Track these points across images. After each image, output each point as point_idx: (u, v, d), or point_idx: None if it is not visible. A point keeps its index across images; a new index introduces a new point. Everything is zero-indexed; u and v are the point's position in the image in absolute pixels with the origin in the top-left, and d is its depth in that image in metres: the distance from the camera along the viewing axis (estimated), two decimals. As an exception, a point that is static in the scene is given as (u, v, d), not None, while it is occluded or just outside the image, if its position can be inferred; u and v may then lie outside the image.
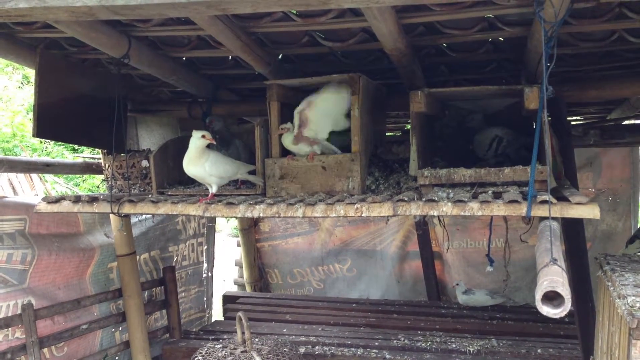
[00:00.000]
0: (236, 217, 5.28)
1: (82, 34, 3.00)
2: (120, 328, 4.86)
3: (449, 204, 2.65)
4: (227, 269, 9.41)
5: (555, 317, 1.85)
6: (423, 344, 4.73)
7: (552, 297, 1.87)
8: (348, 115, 3.34)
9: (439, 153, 3.53)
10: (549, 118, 3.49)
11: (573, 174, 3.66)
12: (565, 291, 1.82)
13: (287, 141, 3.34)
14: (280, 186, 3.37)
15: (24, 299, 4.01)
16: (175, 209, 3.17)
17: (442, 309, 5.88)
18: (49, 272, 4.20)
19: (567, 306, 1.84)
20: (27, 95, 13.31)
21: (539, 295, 1.85)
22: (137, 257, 4.79)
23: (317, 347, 4.71)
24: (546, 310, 1.86)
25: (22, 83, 14.54)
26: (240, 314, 3.70)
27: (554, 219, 2.46)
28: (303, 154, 3.33)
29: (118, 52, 3.28)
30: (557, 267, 1.96)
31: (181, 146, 3.60)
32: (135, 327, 4.60)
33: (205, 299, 6.36)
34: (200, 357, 3.68)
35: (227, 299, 6.54)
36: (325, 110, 3.36)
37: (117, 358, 4.81)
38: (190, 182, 3.77)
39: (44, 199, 3.48)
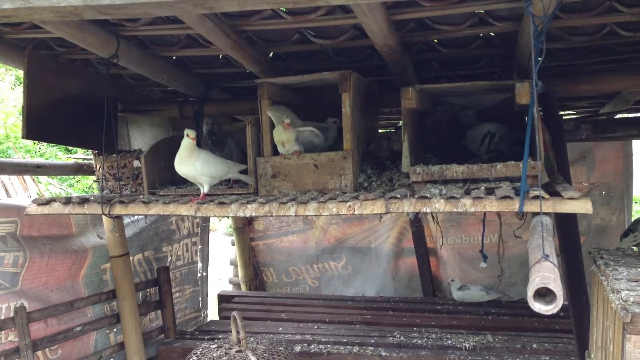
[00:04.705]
0: (229, 217, 5.26)
1: (69, 34, 2.98)
2: (115, 329, 4.84)
3: (442, 200, 2.64)
4: (222, 268, 9.40)
5: (547, 313, 1.85)
6: (419, 341, 4.72)
7: (544, 294, 1.86)
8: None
9: (431, 149, 3.52)
10: (541, 113, 3.50)
11: (566, 168, 3.65)
12: (557, 287, 1.81)
13: (287, 135, 3.30)
14: (273, 185, 3.35)
15: (17, 301, 3.98)
16: (166, 210, 3.15)
17: (437, 305, 5.88)
18: (41, 274, 4.17)
19: (559, 302, 1.83)
20: (20, 96, 13.14)
21: (530, 292, 1.85)
22: (131, 257, 4.75)
23: (312, 346, 4.70)
24: (538, 307, 1.85)
25: (14, 84, 14.46)
26: (234, 313, 3.68)
27: (547, 214, 2.46)
28: (292, 152, 3.31)
29: (107, 52, 3.25)
30: (549, 263, 1.95)
31: (172, 146, 3.58)
32: (129, 328, 4.57)
33: (200, 298, 6.33)
34: (195, 358, 3.66)
35: (222, 299, 6.52)
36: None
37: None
38: (182, 182, 3.75)
39: (34, 201, 3.45)
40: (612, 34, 3.17)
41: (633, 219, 6.05)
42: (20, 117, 3.54)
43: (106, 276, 4.76)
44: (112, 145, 3.88)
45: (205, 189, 3.26)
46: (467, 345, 4.57)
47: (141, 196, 3.46)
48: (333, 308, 5.90)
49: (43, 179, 11.42)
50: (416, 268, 6.81)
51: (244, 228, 7.33)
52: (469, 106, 3.58)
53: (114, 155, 4.08)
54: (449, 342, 4.68)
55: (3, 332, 3.89)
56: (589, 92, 4.14)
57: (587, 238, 6.42)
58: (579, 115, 5.92)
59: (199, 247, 6.26)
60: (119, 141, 4.39)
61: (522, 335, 4.83)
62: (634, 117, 5.34)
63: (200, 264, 6.28)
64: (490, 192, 2.71)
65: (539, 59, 2.32)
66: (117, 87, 4.23)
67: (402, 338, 4.81)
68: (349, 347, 4.63)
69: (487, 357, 4.38)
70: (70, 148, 11.53)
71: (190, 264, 6.09)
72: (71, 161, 5.44)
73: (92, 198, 3.39)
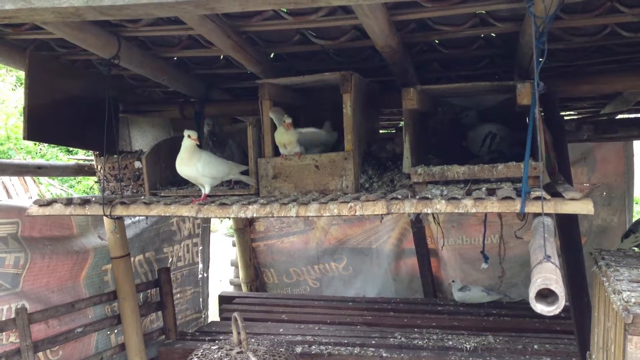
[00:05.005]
0: (230, 218, 5.25)
1: (70, 35, 2.98)
2: (116, 330, 4.83)
3: (443, 201, 2.64)
4: (222, 269, 9.39)
5: (549, 314, 1.84)
6: (420, 342, 4.72)
7: (546, 295, 1.85)
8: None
9: (432, 150, 3.51)
10: (542, 113, 3.50)
11: (567, 169, 3.65)
12: (559, 288, 1.80)
13: (289, 136, 3.30)
14: (274, 186, 3.35)
15: (18, 302, 3.98)
16: (168, 211, 3.15)
17: (438, 306, 5.87)
18: (42, 275, 4.17)
19: (561, 303, 1.82)
20: (21, 97, 13.15)
21: (532, 293, 1.84)
22: (132, 258, 4.75)
23: (313, 347, 4.70)
24: (540, 308, 1.85)
25: (15, 85, 14.46)
26: (235, 314, 3.68)
27: (548, 215, 2.45)
28: (293, 153, 3.31)
29: (108, 53, 3.25)
30: (550, 264, 1.95)
31: (174, 147, 3.57)
32: (130, 329, 4.57)
33: (201, 299, 6.33)
34: (196, 359, 3.66)
35: (223, 300, 6.52)
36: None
37: (112, 360, 4.78)
38: (183, 183, 3.75)
39: (35, 202, 3.45)
40: (613, 34, 3.17)
41: (634, 219, 6.05)
42: (21, 118, 3.54)
43: (107, 277, 4.76)
44: (113, 146, 3.88)
45: (206, 190, 3.26)
46: (468, 346, 4.56)
47: (142, 197, 3.46)
48: (334, 309, 5.89)
49: (44, 180, 11.43)
50: (417, 269, 6.80)
51: (244, 229, 7.32)
52: (470, 107, 3.58)
53: (115, 156, 4.09)
54: (450, 343, 4.67)
55: (4, 333, 3.89)
56: (590, 92, 4.14)
57: (588, 239, 6.41)
58: (580, 116, 5.91)
59: (200, 248, 6.25)
60: (120, 142, 4.40)
61: (523, 336, 4.82)
62: (635, 118, 5.34)
63: (201, 265, 6.28)
64: (491, 192, 2.71)
65: (540, 59, 2.32)
66: (118, 88, 4.23)
67: (403, 339, 4.80)
68: (349, 348, 4.63)
69: (488, 358, 4.38)
70: (71, 149, 11.54)
71: (191, 265, 6.09)
72: (72, 162, 5.44)
73: (93, 199, 3.39)
